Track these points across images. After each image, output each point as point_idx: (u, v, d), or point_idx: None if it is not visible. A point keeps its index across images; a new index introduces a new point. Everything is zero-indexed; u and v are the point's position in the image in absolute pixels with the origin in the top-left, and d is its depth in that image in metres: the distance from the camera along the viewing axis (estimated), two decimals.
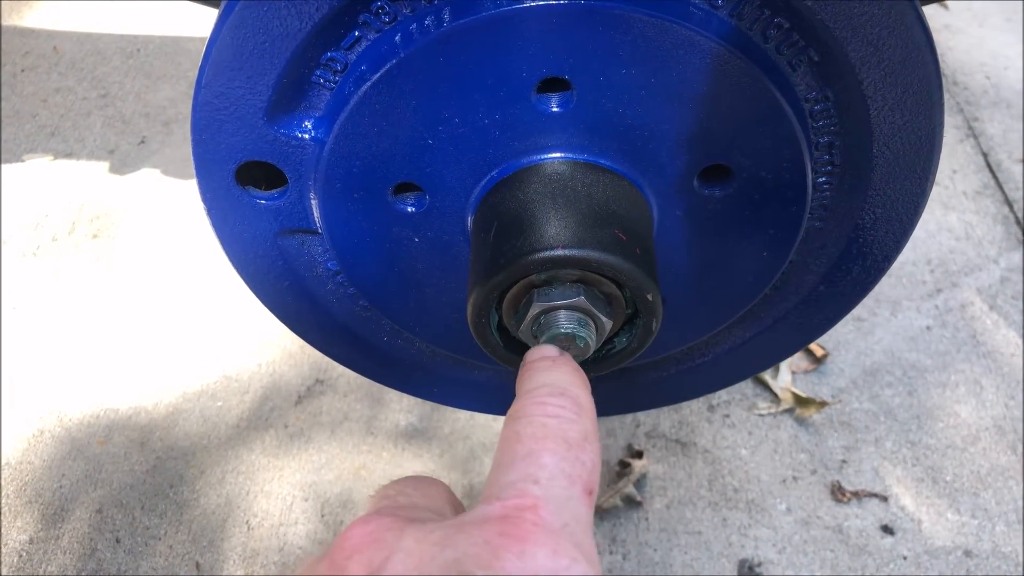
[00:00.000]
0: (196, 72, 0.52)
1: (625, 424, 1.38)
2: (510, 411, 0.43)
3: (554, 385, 0.44)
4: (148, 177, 1.75)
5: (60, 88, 1.93)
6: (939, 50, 1.89)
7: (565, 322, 0.49)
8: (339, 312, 0.65)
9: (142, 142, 1.82)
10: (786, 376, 1.44)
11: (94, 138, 1.83)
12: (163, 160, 1.79)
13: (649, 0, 0.47)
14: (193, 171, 0.56)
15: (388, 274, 0.60)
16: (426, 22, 0.48)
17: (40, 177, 1.74)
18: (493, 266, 0.50)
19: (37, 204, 1.69)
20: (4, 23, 2.09)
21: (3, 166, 1.76)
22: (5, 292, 1.53)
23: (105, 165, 1.78)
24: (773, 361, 0.70)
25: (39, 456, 1.32)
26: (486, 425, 1.37)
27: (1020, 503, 1.32)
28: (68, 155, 1.79)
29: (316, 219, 0.58)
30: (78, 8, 2.13)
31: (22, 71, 1.97)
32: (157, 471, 1.31)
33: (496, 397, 0.72)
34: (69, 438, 1.34)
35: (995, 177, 1.85)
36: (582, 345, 0.50)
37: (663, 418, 1.39)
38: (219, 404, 1.39)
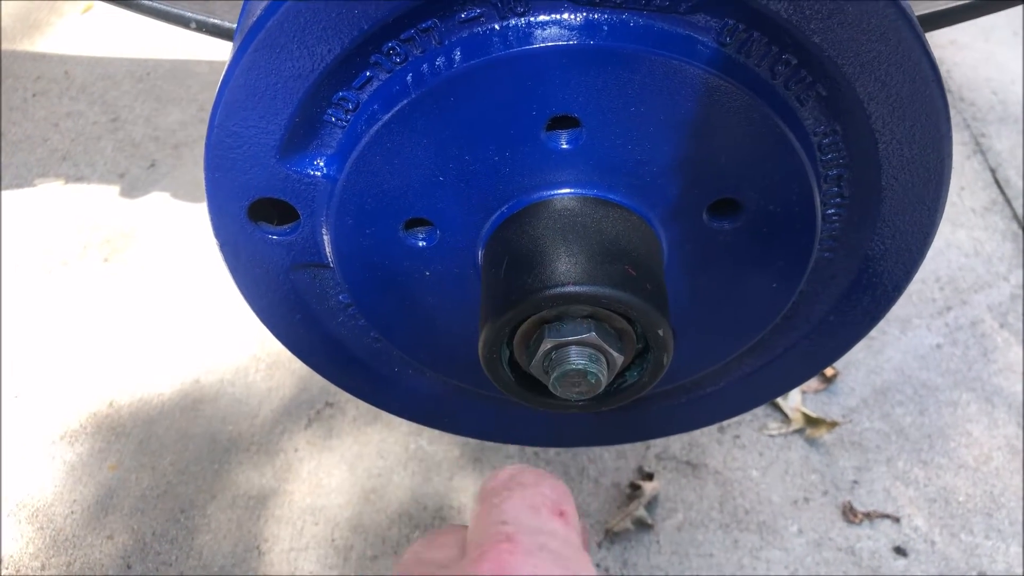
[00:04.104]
0: (206, 95, 0.53)
1: (636, 446, 1.38)
2: None
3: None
4: (158, 200, 1.77)
5: (71, 112, 1.95)
6: (945, 65, 1.89)
7: (576, 358, 0.50)
8: (350, 344, 0.66)
9: (152, 165, 1.83)
10: (796, 396, 1.43)
11: (105, 162, 1.84)
12: (173, 183, 1.80)
13: (657, 39, 0.47)
14: (203, 194, 0.57)
15: (399, 307, 0.60)
16: (437, 62, 0.49)
17: (51, 201, 1.76)
18: (504, 302, 0.50)
19: (48, 228, 1.70)
20: (16, 48, 2.11)
21: (16, 191, 1.77)
22: (16, 315, 1.54)
23: (115, 189, 1.79)
24: (783, 390, 0.70)
25: (51, 482, 1.33)
26: (496, 448, 1.37)
27: None
28: (79, 179, 1.81)
29: (328, 253, 0.58)
30: (89, 33, 2.15)
31: (33, 96, 1.99)
32: (168, 496, 1.31)
33: (506, 426, 0.72)
34: (80, 463, 1.35)
35: (1003, 193, 1.85)
36: (593, 381, 0.50)
37: (673, 440, 1.39)
38: (229, 428, 1.39)
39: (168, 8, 0.79)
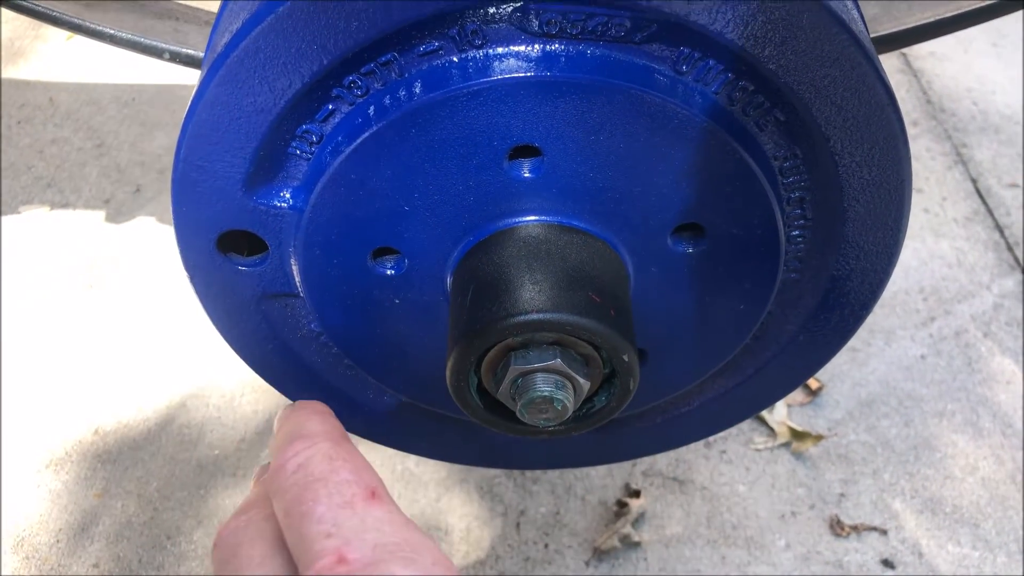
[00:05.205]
0: None
1: (621, 463, 1.38)
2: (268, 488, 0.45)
3: (283, 440, 0.46)
4: (143, 225, 1.77)
5: (56, 139, 1.95)
6: (926, 77, 1.91)
7: (542, 385, 0.50)
8: (324, 372, 0.66)
9: (137, 191, 1.84)
10: (782, 410, 1.44)
11: (90, 188, 1.84)
12: (158, 208, 1.80)
13: (613, 69, 0.48)
14: None
15: (371, 335, 0.61)
16: (398, 95, 0.49)
17: (37, 229, 1.76)
18: (469, 330, 0.50)
19: (33, 255, 1.70)
20: (0, 75, 2.12)
21: (1, 218, 1.77)
22: (2, 344, 1.54)
23: (101, 215, 1.79)
24: (759, 408, 0.70)
25: (36, 510, 1.32)
26: (481, 469, 1.36)
27: (1020, 533, 1.31)
28: (64, 206, 1.81)
29: (297, 283, 0.59)
30: (74, 59, 2.16)
31: (18, 123, 2.00)
32: (154, 523, 1.30)
33: (484, 451, 0.72)
34: (66, 491, 1.34)
35: (985, 203, 1.86)
36: (559, 407, 0.50)
37: (660, 456, 1.39)
38: (216, 453, 1.39)
39: (142, 39, 0.79)
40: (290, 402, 0.56)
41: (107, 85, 2.11)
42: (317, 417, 0.49)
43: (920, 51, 2.29)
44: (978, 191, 1.89)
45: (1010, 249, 1.75)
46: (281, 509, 0.43)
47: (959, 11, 0.90)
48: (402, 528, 0.41)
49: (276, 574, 0.42)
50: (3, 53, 2.17)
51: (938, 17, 0.91)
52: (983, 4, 0.88)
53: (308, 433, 0.46)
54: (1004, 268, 1.71)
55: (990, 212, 1.84)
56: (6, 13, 2.18)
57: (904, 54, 2.27)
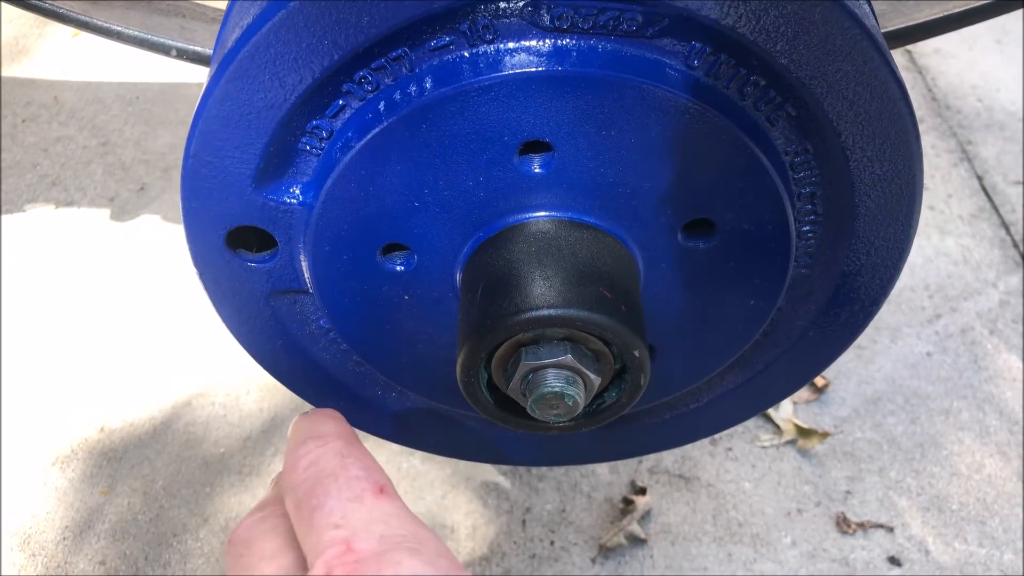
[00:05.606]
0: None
1: (628, 461, 1.38)
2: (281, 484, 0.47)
3: (296, 441, 0.48)
4: (148, 223, 1.77)
5: (61, 137, 1.95)
6: (931, 74, 1.90)
7: (553, 380, 0.50)
8: (333, 368, 0.66)
9: (142, 189, 1.84)
10: (788, 407, 1.43)
11: (95, 186, 1.84)
12: (163, 206, 1.80)
13: (625, 64, 0.48)
14: None
15: (380, 331, 0.61)
16: (409, 90, 0.49)
17: (42, 227, 1.76)
18: (479, 326, 0.50)
19: (39, 253, 1.70)
20: (5, 74, 2.12)
21: (6, 217, 1.77)
22: (6, 341, 1.54)
23: (106, 212, 1.79)
24: (768, 404, 0.70)
25: (42, 508, 1.32)
26: (487, 466, 1.36)
27: None
28: (69, 204, 1.81)
29: (307, 279, 0.59)
30: (78, 57, 2.16)
31: (23, 121, 2.00)
32: (160, 520, 1.31)
33: (492, 447, 0.72)
34: (72, 489, 1.34)
35: (990, 200, 1.86)
36: (570, 403, 0.50)
37: (666, 454, 1.39)
38: (221, 451, 1.39)
39: (149, 36, 0.79)
40: (304, 409, 0.57)
41: (111, 83, 2.11)
42: (330, 420, 0.51)
43: (925, 48, 2.28)
44: (983, 188, 1.89)
45: (1016, 246, 1.75)
46: (293, 504, 0.44)
47: (968, 7, 0.90)
48: (408, 522, 0.42)
49: (288, 568, 0.42)
50: (7, 52, 2.17)
51: (947, 13, 0.91)
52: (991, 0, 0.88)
53: (321, 433, 0.48)
54: (1010, 265, 1.71)
55: (995, 209, 1.83)
56: (9, 11, 2.19)
57: (909, 51, 2.26)
